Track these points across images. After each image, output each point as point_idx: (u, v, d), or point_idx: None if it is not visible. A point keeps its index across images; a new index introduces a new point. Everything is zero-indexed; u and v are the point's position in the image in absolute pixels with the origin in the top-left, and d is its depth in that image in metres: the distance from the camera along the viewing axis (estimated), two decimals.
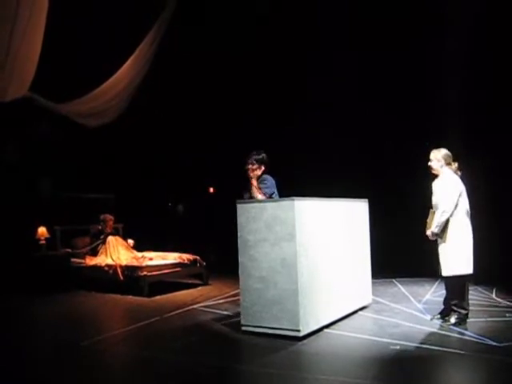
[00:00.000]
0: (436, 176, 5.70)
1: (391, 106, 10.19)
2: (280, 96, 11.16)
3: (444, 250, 5.52)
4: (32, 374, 4.50)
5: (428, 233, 5.62)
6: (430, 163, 5.71)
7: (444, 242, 5.52)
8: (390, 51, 9.85)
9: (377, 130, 10.31)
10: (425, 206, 5.89)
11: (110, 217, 9.67)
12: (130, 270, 8.22)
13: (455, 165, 5.65)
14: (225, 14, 10.93)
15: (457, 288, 5.49)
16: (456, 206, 5.43)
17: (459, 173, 5.65)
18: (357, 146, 10.58)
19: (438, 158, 5.64)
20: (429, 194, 5.83)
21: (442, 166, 5.63)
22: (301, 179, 8.99)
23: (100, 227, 9.57)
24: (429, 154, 5.75)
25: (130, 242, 9.59)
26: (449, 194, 5.44)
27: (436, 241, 5.64)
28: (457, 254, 5.41)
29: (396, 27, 9.71)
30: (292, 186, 6.36)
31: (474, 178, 5.92)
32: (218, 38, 11.04)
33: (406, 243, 9.24)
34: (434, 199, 5.64)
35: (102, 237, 9.34)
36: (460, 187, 5.51)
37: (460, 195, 5.46)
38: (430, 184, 5.80)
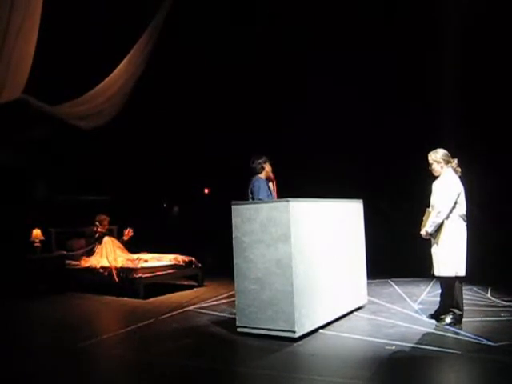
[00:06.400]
0: (437, 177, 5.71)
1: (389, 106, 10.20)
2: (278, 97, 11.15)
3: (437, 251, 5.53)
4: (27, 376, 4.48)
5: (422, 232, 5.64)
6: (430, 167, 5.72)
7: (437, 243, 5.53)
8: (390, 51, 9.88)
9: (374, 131, 10.32)
10: (420, 206, 5.90)
11: (105, 217, 9.67)
12: (125, 271, 8.21)
13: (455, 162, 5.65)
14: (223, 14, 10.93)
15: (449, 289, 5.51)
16: (452, 208, 5.44)
17: (459, 170, 5.66)
18: (353, 146, 10.59)
19: (437, 160, 5.64)
20: (425, 194, 5.83)
21: (442, 167, 5.64)
22: (297, 180, 9.00)
23: (95, 228, 9.56)
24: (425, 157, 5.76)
25: (129, 231, 9.54)
26: (447, 195, 5.44)
27: (430, 240, 5.65)
28: (449, 256, 5.41)
29: (396, 27, 9.75)
30: (288, 186, 6.39)
31: (469, 177, 5.92)
32: (215, 38, 11.03)
33: (402, 243, 9.27)
34: (433, 199, 5.65)
35: (96, 235, 9.33)
36: (459, 189, 5.50)
37: (458, 197, 5.46)
38: (426, 184, 5.81)
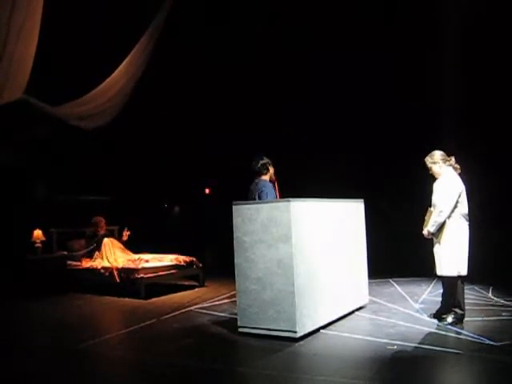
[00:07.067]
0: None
1: (389, 106, 10.21)
2: (278, 97, 11.16)
3: (439, 251, 5.53)
4: (27, 376, 4.47)
5: (424, 231, 5.63)
6: (431, 171, 5.72)
7: (439, 242, 5.53)
8: (390, 51, 9.89)
9: (374, 131, 10.33)
10: (420, 206, 5.90)
11: (101, 219, 9.63)
12: (126, 272, 8.20)
13: (452, 159, 5.66)
14: (223, 14, 10.94)
15: (450, 288, 5.51)
16: (454, 207, 5.44)
17: (458, 167, 5.66)
18: (353, 146, 10.60)
19: (434, 161, 5.65)
20: (425, 194, 5.83)
21: (441, 167, 5.64)
22: (297, 180, 9.00)
23: (93, 230, 9.55)
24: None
25: (127, 232, 9.53)
26: (448, 194, 5.44)
27: (432, 240, 5.65)
28: (451, 256, 5.41)
29: (396, 27, 9.76)
30: (288, 186, 6.39)
31: (469, 177, 5.92)
32: (215, 38, 11.04)
33: (402, 243, 9.27)
34: (434, 198, 5.64)
35: (96, 239, 9.32)
36: (460, 188, 5.50)
37: (459, 196, 5.46)
38: (426, 184, 5.81)
